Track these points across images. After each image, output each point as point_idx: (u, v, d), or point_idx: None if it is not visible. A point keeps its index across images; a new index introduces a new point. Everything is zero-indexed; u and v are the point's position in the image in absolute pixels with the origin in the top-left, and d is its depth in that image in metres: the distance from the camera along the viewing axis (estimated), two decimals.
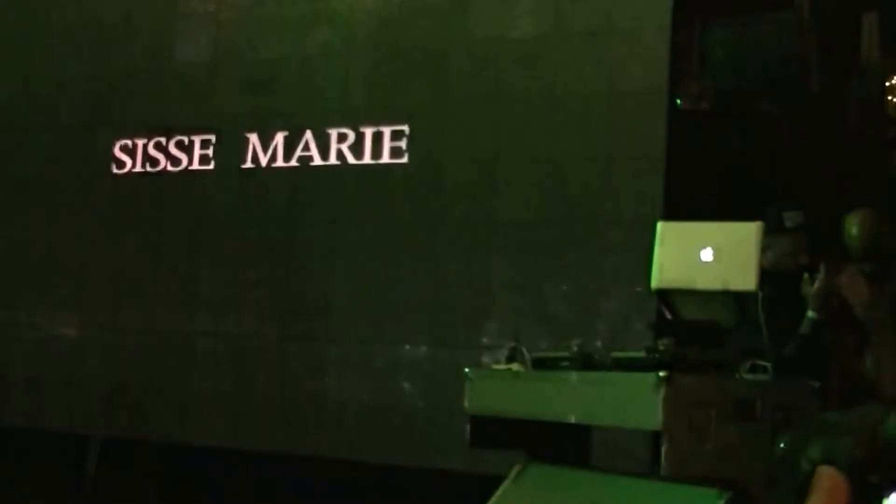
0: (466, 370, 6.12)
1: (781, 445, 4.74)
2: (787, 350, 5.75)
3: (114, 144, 9.30)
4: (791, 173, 7.20)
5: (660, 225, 5.78)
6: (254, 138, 8.69)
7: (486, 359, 7.32)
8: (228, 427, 8.58)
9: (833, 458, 4.33)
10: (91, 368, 9.20)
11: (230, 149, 8.79)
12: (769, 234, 5.94)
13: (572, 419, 5.63)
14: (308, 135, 8.49)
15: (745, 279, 5.46)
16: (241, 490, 8.55)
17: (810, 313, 5.75)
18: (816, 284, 5.71)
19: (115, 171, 9.29)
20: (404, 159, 8.13)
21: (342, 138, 8.36)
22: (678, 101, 7.27)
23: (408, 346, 7.95)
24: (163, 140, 9.10)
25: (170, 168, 9.06)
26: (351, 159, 8.34)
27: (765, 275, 5.77)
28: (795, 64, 7.24)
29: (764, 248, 5.91)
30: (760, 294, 5.57)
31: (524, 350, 5.94)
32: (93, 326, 9.25)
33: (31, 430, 9.37)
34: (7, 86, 9.98)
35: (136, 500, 8.87)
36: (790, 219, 6.00)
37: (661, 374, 5.10)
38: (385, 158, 8.21)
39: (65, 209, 9.51)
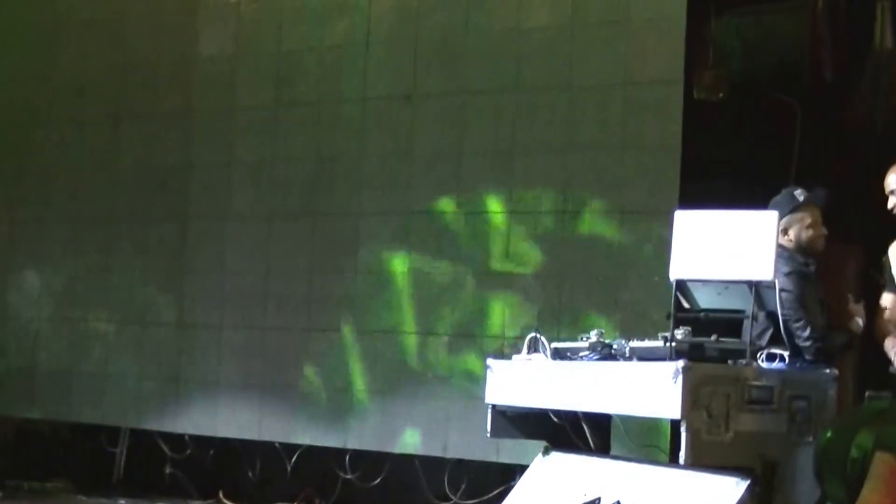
0: (487, 361, 6.24)
1: (828, 435, 4.70)
2: (837, 340, 5.84)
3: (137, 136, 9.39)
4: (805, 161, 7.26)
5: (677, 214, 5.83)
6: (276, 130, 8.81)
7: (505, 349, 7.37)
8: (256, 419, 8.66)
9: (885, 445, 4.30)
10: (120, 362, 9.30)
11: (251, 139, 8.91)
12: (787, 213, 6.01)
13: (591, 409, 5.72)
14: (329, 124, 8.58)
15: (763, 269, 5.51)
16: (268, 482, 8.67)
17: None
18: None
19: (138, 163, 9.38)
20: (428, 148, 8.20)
21: (365, 129, 8.45)
22: (694, 91, 7.34)
23: (430, 337, 8.02)
24: (184, 131, 9.21)
25: (192, 160, 9.17)
26: (370, 149, 8.43)
27: (787, 262, 5.85)
28: (809, 52, 7.30)
29: (785, 229, 5.98)
30: (777, 283, 5.64)
31: (543, 340, 6.04)
32: (122, 321, 9.35)
33: (62, 423, 9.51)
34: (30, 79, 10.03)
35: (166, 491, 8.98)
36: (800, 194, 6.08)
37: (681, 363, 5.19)
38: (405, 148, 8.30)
39: (90, 203, 9.58)
